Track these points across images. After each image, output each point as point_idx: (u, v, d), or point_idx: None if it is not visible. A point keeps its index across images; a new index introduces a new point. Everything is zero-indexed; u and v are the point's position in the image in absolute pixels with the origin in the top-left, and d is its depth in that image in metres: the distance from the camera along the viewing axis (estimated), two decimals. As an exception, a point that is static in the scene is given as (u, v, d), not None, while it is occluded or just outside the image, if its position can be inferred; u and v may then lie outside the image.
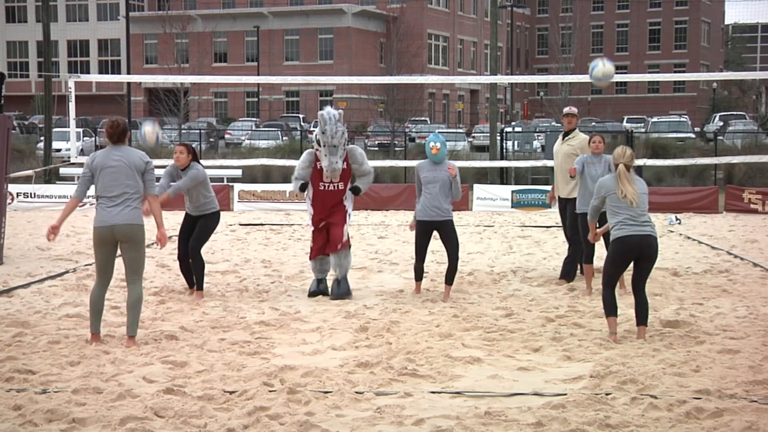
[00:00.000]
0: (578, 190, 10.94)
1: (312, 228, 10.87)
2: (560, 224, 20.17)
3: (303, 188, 10.77)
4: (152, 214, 8.28)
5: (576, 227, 11.21)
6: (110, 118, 8.34)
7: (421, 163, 10.54)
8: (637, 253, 8.27)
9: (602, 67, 12.12)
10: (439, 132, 51.37)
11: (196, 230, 10.63)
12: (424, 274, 10.98)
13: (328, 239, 10.64)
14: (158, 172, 13.94)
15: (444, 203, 10.30)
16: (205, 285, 11.35)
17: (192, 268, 10.62)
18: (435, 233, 10.47)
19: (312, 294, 10.66)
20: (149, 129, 10.85)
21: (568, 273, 11.56)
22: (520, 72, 78.92)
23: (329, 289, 10.69)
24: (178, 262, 10.89)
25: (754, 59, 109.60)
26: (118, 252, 8.18)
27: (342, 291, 10.57)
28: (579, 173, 10.83)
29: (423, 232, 10.42)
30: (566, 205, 11.54)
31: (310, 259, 10.87)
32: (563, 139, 11.80)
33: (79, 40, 72.77)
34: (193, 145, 10.88)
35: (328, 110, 10.55)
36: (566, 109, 12.06)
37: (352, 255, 11.05)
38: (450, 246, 10.37)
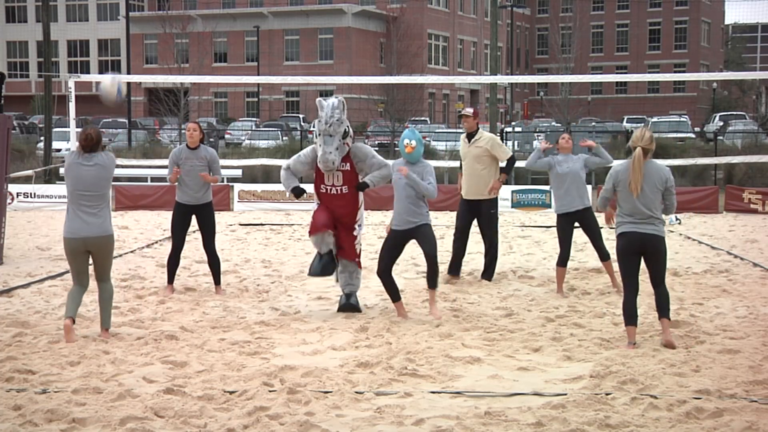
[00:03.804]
0: (553, 191, 11.03)
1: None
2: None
3: (296, 192, 9.83)
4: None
5: (492, 225, 11.83)
6: (83, 131, 8.30)
7: (396, 164, 9.52)
8: (640, 250, 7.98)
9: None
10: (438, 131, 50.48)
11: (206, 229, 10.70)
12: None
13: (338, 240, 9.85)
14: (157, 172, 13.80)
15: (418, 208, 9.37)
16: (204, 285, 11.36)
17: (212, 266, 10.86)
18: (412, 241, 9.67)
19: (313, 274, 9.70)
20: (108, 83, 9.99)
21: (486, 270, 11.98)
22: (520, 72, 78.93)
23: (336, 276, 9.89)
24: (170, 255, 10.78)
25: (754, 59, 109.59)
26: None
27: (353, 303, 9.80)
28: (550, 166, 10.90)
29: (395, 242, 9.59)
30: (472, 206, 11.76)
31: (310, 234, 9.80)
32: (469, 141, 11.83)
33: (79, 40, 72.80)
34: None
35: (330, 99, 9.79)
36: (463, 111, 12.12)
37: (361, 276, 10.23)
38: (427, 247, 9.41)
